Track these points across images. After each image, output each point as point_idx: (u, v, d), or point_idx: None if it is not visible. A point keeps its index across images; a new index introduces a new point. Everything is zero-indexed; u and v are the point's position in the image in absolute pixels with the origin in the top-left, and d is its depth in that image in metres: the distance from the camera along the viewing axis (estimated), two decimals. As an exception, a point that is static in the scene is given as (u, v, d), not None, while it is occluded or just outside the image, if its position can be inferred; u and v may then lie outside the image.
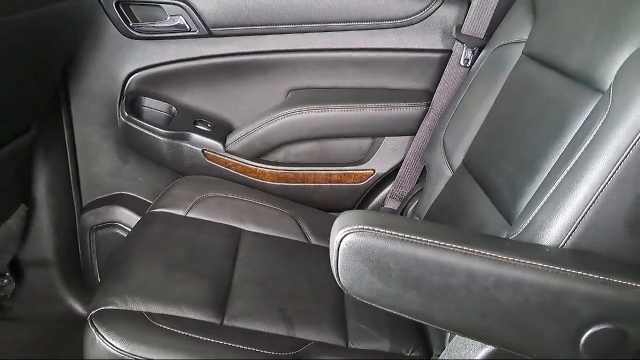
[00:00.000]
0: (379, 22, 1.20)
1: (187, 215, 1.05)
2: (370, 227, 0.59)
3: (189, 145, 1.24)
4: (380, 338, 0.88)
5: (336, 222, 0.62)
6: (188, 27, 1.18)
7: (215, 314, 0.83)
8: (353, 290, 0.61)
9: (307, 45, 1.22)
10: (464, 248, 0.59)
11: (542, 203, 0.68)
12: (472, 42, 1.14)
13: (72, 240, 1.34)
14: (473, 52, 1.14)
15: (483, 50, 1.11)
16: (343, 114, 1.23)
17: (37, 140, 1.15)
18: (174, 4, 1.16)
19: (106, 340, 0.73)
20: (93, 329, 0.75)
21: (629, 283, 0.60)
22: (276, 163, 1.28)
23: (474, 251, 0.59)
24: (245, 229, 1.07)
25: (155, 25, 1.18)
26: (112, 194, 1.35)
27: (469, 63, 1.15)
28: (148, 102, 1.26)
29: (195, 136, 1.24)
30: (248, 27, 1.19)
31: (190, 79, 1.26)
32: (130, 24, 1.17)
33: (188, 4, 1.15)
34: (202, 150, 1.24)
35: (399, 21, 1.19)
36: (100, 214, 1.32)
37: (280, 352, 0.78)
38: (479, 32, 1.14)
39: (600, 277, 0.60)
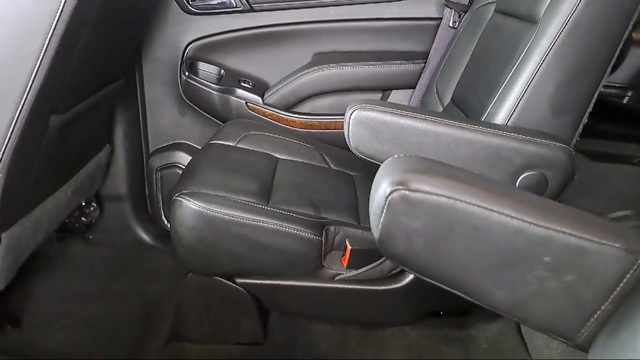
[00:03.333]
0: (386, -4, 1.50)
1: (236, 145, 1.36)
2: (369, 106, 0.89)
3: (235, 98, 1.55)
4: (385, 222, 1.16)
5: (348, 108, 0.91)
6: (234, 4, 1.49)
7: (263, 199, 1.12)
8: (359, 150, 0.91)
9: (328, 17, 1.52)
10: (432, 118, 0.89)
11: (493, 100, 0.97)
12: (459, 7, 1.43)
13: (141, 179, 1.66)
14: (459, 15, 1.43)
15: (467, 13, 1.40)
16: (358, 71, 1.53)
17: (117, 95, 1.47)
18: (224, -14, 1.48)
19: (191, 201, 1.03)
20: (180, 198, 1.05)
21: (545, 141, 0.89)
22: (304, 113, 1.58)
23: (439, 120, 0.88)
24: (281, 157, 1.37)
25: (209, 3, 1.50)
26: (173, 142, 1.66)
27: (457, 24, 1.44)
28: (202, 66, 1.58)
29: (240, 91, 1.55)
30: (282, 3, 1.50)
31: (235, 47, 1.57)
32: (190, 2, 1.49)
33: (234, -15, 1.47)
34: (245, 103, 1.55)
35: (401, -5, 1.49)
36: (164, 157, 1.64)
37: (311, 218, 1.08)
38: (463, -1, 1.43)
39: (527, 137, 0.89)
